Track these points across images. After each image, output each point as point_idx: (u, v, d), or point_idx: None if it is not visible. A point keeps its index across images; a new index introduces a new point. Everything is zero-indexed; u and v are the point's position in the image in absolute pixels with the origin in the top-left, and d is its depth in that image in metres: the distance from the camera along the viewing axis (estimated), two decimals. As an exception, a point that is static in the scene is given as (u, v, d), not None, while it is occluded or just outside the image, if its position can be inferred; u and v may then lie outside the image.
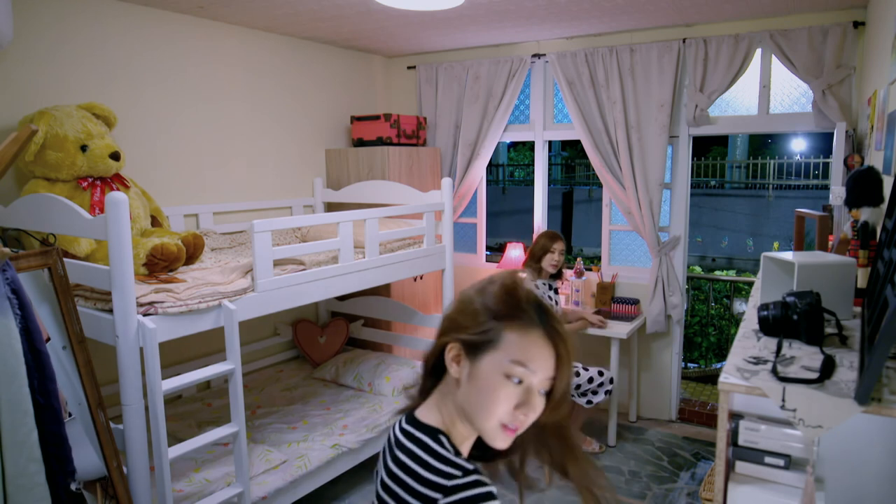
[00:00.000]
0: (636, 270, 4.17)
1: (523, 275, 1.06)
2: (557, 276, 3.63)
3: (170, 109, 3.35)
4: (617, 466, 3.52)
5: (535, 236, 4.45)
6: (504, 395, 0.96)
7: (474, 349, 0.99)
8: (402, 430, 1.02)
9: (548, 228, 4.48)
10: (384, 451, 1.04)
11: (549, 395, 1.01)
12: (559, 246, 3.52)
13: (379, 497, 1.00)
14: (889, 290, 1.10)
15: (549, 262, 3.51)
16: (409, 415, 1.04)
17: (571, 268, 4.15)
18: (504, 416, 0.97)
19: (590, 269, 4.30)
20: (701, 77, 3.65)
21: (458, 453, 0.99)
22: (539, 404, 0.99)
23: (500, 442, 0.99)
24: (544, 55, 4.16)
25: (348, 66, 4.47)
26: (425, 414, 1.03)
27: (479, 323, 0.99)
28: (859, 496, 1.31)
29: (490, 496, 0.93)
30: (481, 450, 1.08)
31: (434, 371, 1.06)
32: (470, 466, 0.96)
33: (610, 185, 4.01)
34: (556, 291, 3.64)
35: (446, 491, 0.92)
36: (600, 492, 1.06)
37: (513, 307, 0.99)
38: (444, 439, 0.99)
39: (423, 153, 4.35)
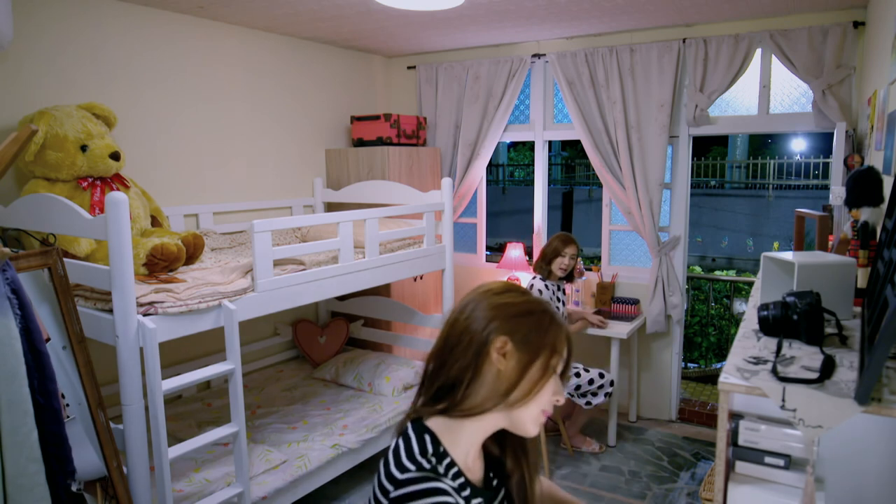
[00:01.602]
0: (636, 270, 4.17)
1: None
2: (568, 278, 3.62)
3: (170, 109, 3.35)
4: (617, 466, 3.52)
5: (534, 236, 4.45)
6: (549, 384, 1.05)
7: (524, 342, 1.04)
8: (405, 427, 1.06)
9: (547, 228, 4.49)
10: None
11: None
12: (571, 250, 3.50)
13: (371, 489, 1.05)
14: (889, 290, 1.10)
15: (559, 265, 3.50)
16: (416, 411, 1.08)
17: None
18: (546, 402, 1.05)
19: (590, 269, 4.30)
20: (701, 77, 3.65)
21: (442, 454, 1.02)
22: (563, 389, 1.09)
23: (535, 428, 1.06)
24: (544, 55, 4.16)
25: (348, 66, 4.47)
26: (431, 412, 1.06)
27: (531, 317, 1.06)
28: (859, 496, 1.31)
29: (438, 491, 0.95)
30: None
31: (469, 367, 1.05)
32: (427, 466, 0.98)
33: (610, 185, 4.01)
34: (563, 292, 3.64)
35: (397, 483, 0.96)
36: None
37: (548, 309, 1.08)
38: (427, 438, 1.02)
39: (423, 153, 4.35)
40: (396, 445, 1.02)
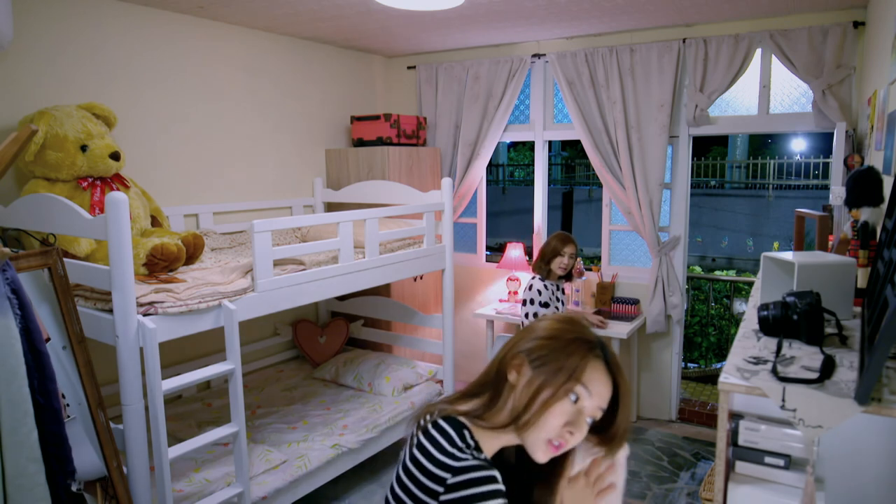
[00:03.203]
0: (636, 270, 4.17)
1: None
2: (567, 277, 3.62)
3: (170, 109, 3.35)
4: (617, 466, 3.52)
5: (534, 235, 4.45)
6: (559, 410, 1.03)
7: (540, 363, 1.05)
8: (433, 421, 1.07)
9: (547, 228, 4.49)
10: (409, 438, 1.09)
11: (600, 427, 1.08)
12: (570, 249, 3.50)
13: (398, 478, 1.04)
14: (889, 290, 1.10)
15: (559, 264, 3.50)
16: (444, 410, 1.10)
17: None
18: (553, 430, 1.03)
19: (590, 269, 4.30)
20: (701, 77, 3.65)
21: (479, 449, 1.05)
22: (585, 429, 1.06)
23: (542, 455, 1.05)
24: (544, 55, 4.16)
25: (348, 66, 4.47)
26: (459, 412, 1.09)
27: (555, 340, 1.07)
28: (859, 496, 1.31)
29: (494, 479, 1.00)
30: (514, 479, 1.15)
31: (493, 384, 1.11)
32: (481, 456, 1.03)
33: (610, 185, 4.01)
34: (563, 292, 3.64)
35: (454, 471, 0.99)
36: None
37: (589, 338, 1.08)
38: (466, 434, 1.05)
39: (423, 153, 4.35)
40: (432, 436, 1.03)
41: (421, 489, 0.99)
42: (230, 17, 3.47)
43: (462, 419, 1.06)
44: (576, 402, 1.03)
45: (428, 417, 1.08)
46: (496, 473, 1.01)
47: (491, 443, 1.08)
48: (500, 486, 1.00)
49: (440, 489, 0.98)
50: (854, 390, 1.13)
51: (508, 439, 1.09)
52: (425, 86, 4.58)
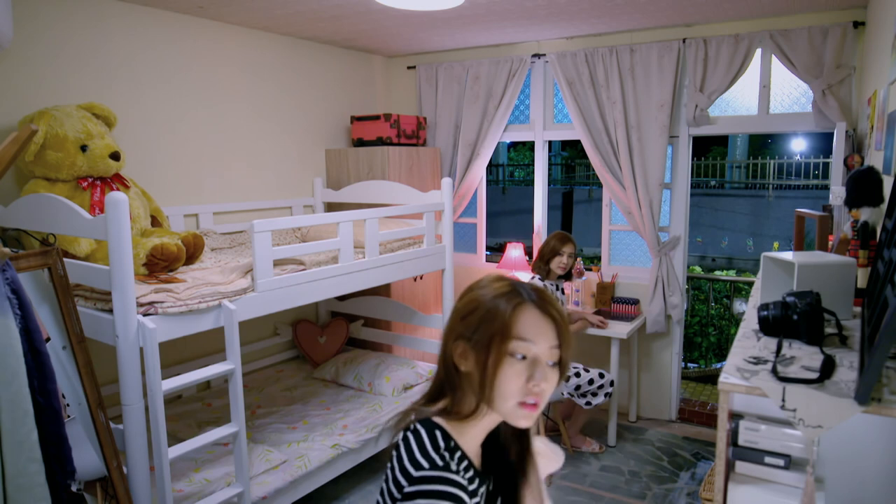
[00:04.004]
0: (636, 270, 4.17)
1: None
2: (566, 277, 3.62)
3: (170, 109, 3.35)
4: (617, 466, 3.52)
5: (534, 235, 4.45)
6: (511, 374, 1.00)
7: (476, 339, 1.03)
8: (411, 424, 1.06)
9: (547, 228, 4.49)
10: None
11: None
12: (569, 249, 3.51)
13: (381, 485, 1.05)
14: (889, 290, 1.10)
15: (558, 264, 3.50)
16: (420, 412, 1.09)
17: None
18: (517, 392, 1.01)
19: (590, 269, 4.30)
20: (701, 77, 3.65)
21: (454, 448, 1.03)
22: (551, 375, 1.03)
23: (523, 420, 1.03)
24: (544, 55, 4.16)
25: (348, 66, 4.47)
26: (433, 412, 1.08)
27: (476, 313, 1.04)
28: (859, 496, 1.31)
29: (452, 496, 0.96)
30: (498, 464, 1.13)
31: (447, 379, 1.10)
32: (441, 463, 0.99)
33: (610, 185, 4.01)
34: (562, 292, 3.64)
35: (412, 480, 0.97)
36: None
37: (503, 291, 1.05)
38: (438, 433, 1.03)
39: (423, 153, 4.35)
40: (406, 440, 1.02)
41: (388, 494, 1.00)
42: (230, 17, 3.47)
43: (435, 419, 1.05)
44: (523, 358, 1.01)
45: (412, 418, 1.07)
46: (454, 490, 0.97)
47: (471, 433, 1.07)
48: None
49: (398, 495, 0.97)
50: (854, 390, 1.13)
51: (491, 420, 1.07)
52: (425, 86, 4.58)
